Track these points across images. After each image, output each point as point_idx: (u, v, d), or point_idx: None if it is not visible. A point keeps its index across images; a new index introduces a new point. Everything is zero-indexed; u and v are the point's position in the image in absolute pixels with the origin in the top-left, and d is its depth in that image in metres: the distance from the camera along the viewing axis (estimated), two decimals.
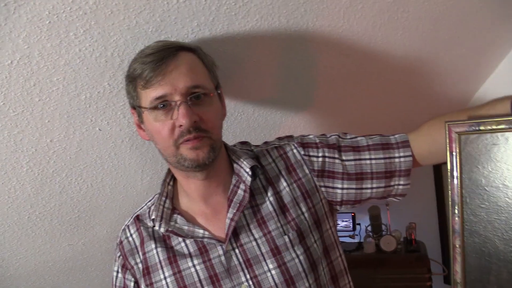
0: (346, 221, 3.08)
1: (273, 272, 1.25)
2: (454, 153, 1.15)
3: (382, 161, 1.32)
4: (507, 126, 1.08)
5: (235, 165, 1.34)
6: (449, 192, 1.17)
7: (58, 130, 1.44)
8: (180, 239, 1.31)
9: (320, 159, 1.34)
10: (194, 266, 1.27)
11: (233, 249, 1.27)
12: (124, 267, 1.38)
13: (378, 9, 1.52)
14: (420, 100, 2.34)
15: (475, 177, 1.14)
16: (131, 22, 1.22)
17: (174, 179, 1.40)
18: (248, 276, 1.25)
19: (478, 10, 1.77)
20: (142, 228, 1.38)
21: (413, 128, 1.35)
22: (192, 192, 1.33)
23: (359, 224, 3.10)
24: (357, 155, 1.33)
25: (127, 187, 1.84)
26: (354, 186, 1.33)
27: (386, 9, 1.54)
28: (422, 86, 2.21)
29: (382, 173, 1.32)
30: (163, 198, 1.35)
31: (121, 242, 1.41)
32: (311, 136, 1.40)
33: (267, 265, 1.25)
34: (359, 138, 1.37)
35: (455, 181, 1.16)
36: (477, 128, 1.12)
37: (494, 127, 1.09)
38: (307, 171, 1.35)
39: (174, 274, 1.29)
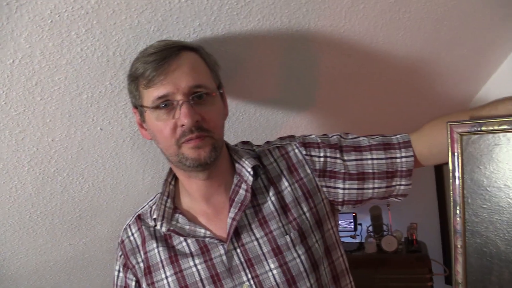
0: (347, 221, 3.09)
1: (274, 272, 1.24)
2: (456, 154, 1.15)
3: (384, 161, 1.32)
4: (509, 127, 1.08)
5: (236, 164, 1.34)
6: (451, 192, 1.17)
7: (60, 130, 1.44)
8: (182, 238, 1.31)
9: (322, 159, 1.34)
10: (195, 265, 1.27)
11: (235, 248, 1.27)
12: (126, 267, 1.38)
13: (379, 9, 1.52)
14: (421, 100, 2.34)
15: (476, 178, 1.14)
16: (133, 21, 1.22)
17: (175, 178, 1.40)
18: (249, 276, 1.25)
19: (479, 10, 1.77)
20: (143, 227, 1.38)
21: (415, 129, 1.35)
22: (193, 192, 1.33)
23: (360, 224, 3.10)
24: (358, 155, 1.33)
25: (128, 187, 1.84)
26: (355, 186, 1.33)
27: (388, 9, 1.54)
28: (424, 87, 2.21)
29: (384, 173, 1.32)
30: (165, 198, 1.35)
31: (122, 241, 1.41)
32: (312, 136, 1.40)
33: (268, 265, 1.25)
34: (360, 138, 1.37)
35: (457, 181, 1.16)
36: (479, 129, 1.12)
37: (496, 127, 1.09)
38: (308, 171, 1.35)
39: (175, 273, 1.29)
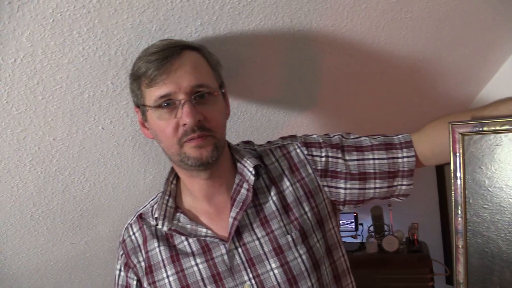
0: (348, 221, 3.09)
1: (275, 271, 1.24)
2: (457, 154, 1.15)
3: (385, 161, 1.32)
4: (511, 127, 1.08)
5: (238, 164, 1.34)
6: (452, 192, 1.17)
7: (61, 129, 1.44)
8: (183, 238, 1.31)
9: (323, 159, 1.34)
10: (196, 265, 1.27)
11: (236, 248, 1.27)
12: (127, 266, 1.38)
13: (381, 9, 1.52)
14: (423, 100, 2.34)
15: (478, 178, 1.14)
16: (134, 20, 1.22)
17: (177, 178, 1.40)
18: (250, 275, 1.25)
19: (481, 10, 1.77)
20: (145, 226, 1.38)
21: (416, 128, 1.35)
22: (195, 191, 1.33)
23: (361, 224, 3.10)
24: (360, 155, 1.33)
25: (129, 186, 1.84)
26: (357, 186, 1.33)
27: (390, 9, 1.54)
28: (425, 87, 2.21)
29: (385, 173, 1.32)
30: (166, 197, 1.35)
31: (124, 240, 1.41)
32: (314, 136, 1.40)
33: (269, 264, 1.25)
34: (362, 138, 1.37)
35: (458, 181, 1.16)
36: (480, 129, 1.11)
37: (497, 128, 1.09)
38: (310, 170, 1.35)
39: (176, 272, 1.29)
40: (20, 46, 1.15)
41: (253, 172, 1.30)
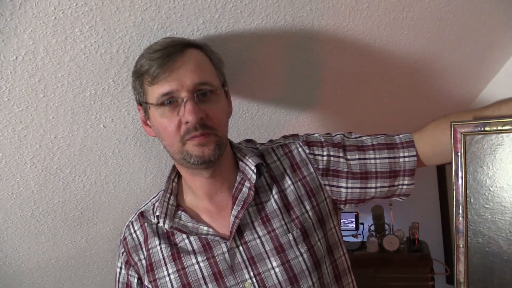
0: (349, 220, 3.08)
1: (276, 270, 1.25)
2: (459, 154, 1.15)
3: (387, 160, 1.32)
4: None
5: (240, 162, 1.34)
6: (454, 192, 1.17)
7: (62, 127, 1.44)
8: (184, 236, 1.31)
9: (325, 158, 1.34)
10: (198, 263, 1.27)
11: (237, 246, 1.27)
12: (128, 263, 1.38)
13: (383, 8, 1.52)
14: (424, 100, 2.34)
15: (479, 178, 1.14)
16: (136, 18, 1.22)
17: (178, 175, 1.40)
18: (251, 274, 1.25)
19: (483, 10, 1.77)
20: (146, 224, 1.38)
21: (417, 128, 1.35)
22: (197, 189, 1.33)
23: (362, 223, 3.10)
24: (361, 155, 1.33)
25: (130, 185, 1.84)
26: (358, 185, 1.33)
27: (392, 8, 1.54)
28: (426, 86, 2.21)
29: (387, 172, 1.32)
30: (168, 195, 1.35)
31: (125, 238, 1.41)
32: (316, 135, 1.40)
33: (271, 263, 1.25)
34: (364, 138, 1.37)
35: (460, 181, 1.16)
36: (482, 129, 1.12)
37: (499, 128, 1.09)
38: (312, 169, 1.35)
39: (178, 270, 1.29)
40: (21, 44, 1.15)
41: (255, 171, 1.30)
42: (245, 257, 1.26)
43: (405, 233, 2.80)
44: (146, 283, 1.33)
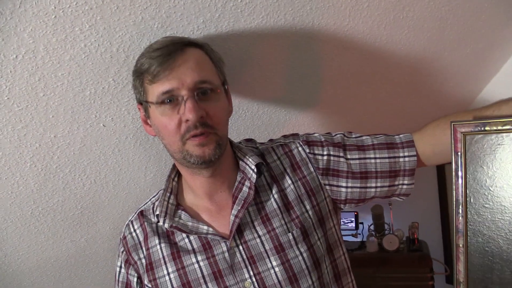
0: (349, 220, 3.08)
1: (276, 269, 1.25)
2: (459, 153, 1.15)
3: (387, 160, 1.32)
4: None
5: (240, 162, 1.34)
6: (453, 191, 1.17)
7: (62, 126, 1.44)
8: (184, 235, 1.31)
9: (325, 157, 1.34)
10: (197, 262, 1.27)
11: (237, 245, 1.27)
12: (128, 263, 1.38)
13: (383, 8, 1.52)
14: (424, 100, 2.34)
15: (479, 177, 1.15)
16: (136, 17, 1.22)
17: (178, 175, 1.40)
18: (251, 273, 1.25)
19: (483, 10, 1.77)
20: (146, 223, 1.38)
21: (417, 128, 1.35)
22: (197, 189, 1.33)
23: (362, 223, 3.10)
24: (362, 154, 1.33)
25: (130, 184, 1.84)
26: (358, 185, 1.34)
27: (392, 8, 1.54)
28: (426, 86, 2.21)
29: (387, 172, 1.32)
30: (168, 194, 1.35)
31: (124, 237, 1.41)
32: (316, 135, 1.40)
33: (270, 262, 1.25)
34: (364, 137, 1.37)
35: (460, 181, 1.16)
36: (482, 129, 1.12)
37: (499, 127, 1.10)
38: (312, 169, 1.35)
39: (177, 270, 1.29)
40: (21, 42, 1.15)
41: (255, 170, 1.30)
42: (245, 257, 1.26)
43: (404, 232, 2.80)
44: (145, 282, 1.33)
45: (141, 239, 1.37)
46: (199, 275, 1.26)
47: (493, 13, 1.82)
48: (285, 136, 1.45)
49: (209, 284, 1.25)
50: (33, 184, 1.59)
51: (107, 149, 1.61)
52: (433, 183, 3.15)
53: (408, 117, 2.31)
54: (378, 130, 1.46)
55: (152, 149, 1.72)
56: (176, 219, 1.33)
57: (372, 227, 2.89)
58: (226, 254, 1.26)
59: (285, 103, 1.88)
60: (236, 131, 1.86)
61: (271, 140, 1.45)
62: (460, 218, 1.17)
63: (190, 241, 1.30)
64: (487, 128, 1.11)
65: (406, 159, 1.32)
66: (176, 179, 1.39)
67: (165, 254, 1.31)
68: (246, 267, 1.25)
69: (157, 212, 1.32)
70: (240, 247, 1.27)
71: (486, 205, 1.14)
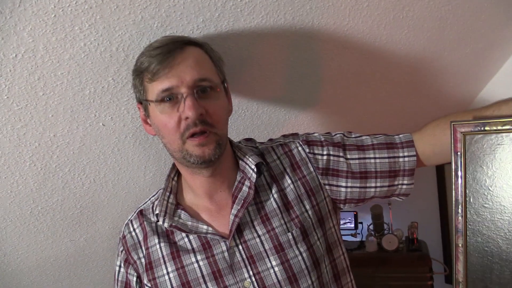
0: (348, 219, 3.09)
1: (276, 269, 1.24)
2: (459, 153, 1.15)
3: (387, 160, 1.32)
4: None
5: (240, 161, 1.34)
6: (453, 191, 1.17)
7: (62, 125, 1.44)
8: (184, 234, 1.31)
9: (325, 157, 1.34)
10: (197, 261, 1.27)
11: (237, 245, 1.27)
12: (127, 262, 1.38)
13: (383, 7, 1.52)
14: (424, 100, 2.34)
15: (479, 177, 1.15)
16: (136, 17, 1.22)
17: (178, 174, 1.40)
18: (251, 273, 1.25)
19: (483, 10, 1.77)
20: (145, 223, 1.38)
21: (417, 128, 1.35)
22: (197, 188, 1.33)
23: (361, 222, 3.10)
24: (361, 154, 1.33)
25: (130, 183, 1.84)
26: (358, 185, 1.33)
27: (392, 8, 1.53)
28: (426, 86, 2.21)
29: (386, 172, 1.32)
30: (167, 193, 1.35)
31: (124, 236, 1.41)
32: (316, 134, 1.40)
33: (270, 262, 1.25)
34: (363, 137, 1.37)
35: (459, 180, 1.16)
36: (482, 129, 1.12)
37: (499, 127, 1.10)
38: (311, 169, 1.35)
39: (177, 269, 1.29)
40: (21, 41, 1.15)
41: (255, 170, 1.30)
42: (244, 256, 1.26)
43: (404, 232, 2.80)
44: (145, 281, 1.33)
45: (141, 238, 1.37)
46: (199, 274, 1.26)
47: (493, 13, 1.82)
48: (284, 136, 1.45)
49: (209, 284, 1.25)
50: (32, 183, 1.59)
51: (106, 148, 1.61)
52: (433, 183, 3.15)
53: (408, 117, 2.31)
54: (378, 130, 1.46)
55: (151, 148, 1.72)
56: (176, 218, 1.33)
57: (371, 227, 2.89)
58: (226, 254, 1.26)
59: (285, 102, 1.88)
60: (236, 131, 1.85)
61: (270, 140, 1.45)
62: (460, 218, 1.17)
63: (189, 240, 1.30)
64: (487, 128, 1.11)
65: (406, 159, 1.32)
66: (175, 178, 1.39)
67: (164, 253, 1.31)
68: (246, 266, 1.25)
69: (157, 212, 1.32)
70: (240, 247, 1.26)
71: (486, 205, 1.14)
